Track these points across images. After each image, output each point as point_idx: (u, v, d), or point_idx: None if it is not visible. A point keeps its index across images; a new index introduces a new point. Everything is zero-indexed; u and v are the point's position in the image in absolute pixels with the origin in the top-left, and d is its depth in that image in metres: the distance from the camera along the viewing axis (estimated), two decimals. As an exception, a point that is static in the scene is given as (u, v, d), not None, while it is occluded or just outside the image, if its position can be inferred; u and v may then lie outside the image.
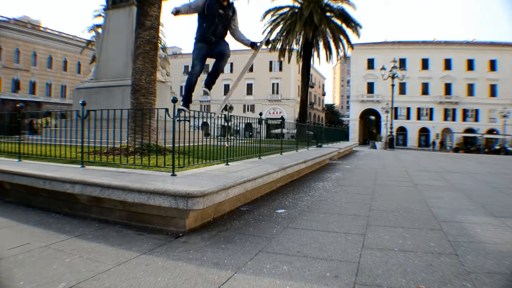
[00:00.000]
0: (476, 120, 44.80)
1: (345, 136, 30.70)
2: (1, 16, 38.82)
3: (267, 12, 26.21)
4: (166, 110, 4.24)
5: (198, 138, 5.98)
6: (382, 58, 43.41)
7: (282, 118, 42.47)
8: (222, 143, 5.72)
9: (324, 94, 68.59)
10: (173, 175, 4.12)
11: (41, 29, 43.82)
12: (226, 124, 5.64)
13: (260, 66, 49.79)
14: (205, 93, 4.72)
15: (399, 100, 42.93)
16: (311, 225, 3.75)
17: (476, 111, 44.89)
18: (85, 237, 3.22)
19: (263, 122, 7.50)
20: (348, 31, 25.30)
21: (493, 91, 44.59)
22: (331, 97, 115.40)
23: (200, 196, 3.23)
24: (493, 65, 44.46)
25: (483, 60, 44.40)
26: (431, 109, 46.25)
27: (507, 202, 5.42)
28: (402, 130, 46.47)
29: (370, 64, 47.85)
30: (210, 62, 4.77)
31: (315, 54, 26.16)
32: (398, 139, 43.43)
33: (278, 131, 11.63)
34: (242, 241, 3.19)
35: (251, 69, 50.62)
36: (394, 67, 25.87)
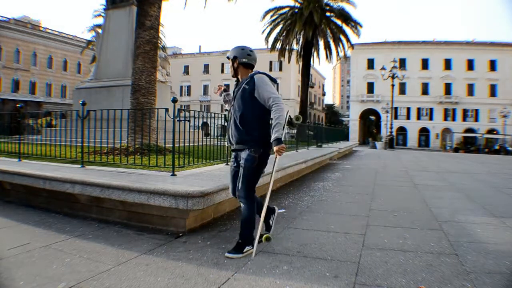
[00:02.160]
0: (476, 120, 44.77)
1: (345, 136, 30.70)
2: (1, 16, 38.80)
3: (267, 12, 26.16)
4: (166, 110, 4.24)
5: (198, 138, 5.98)
6: (382, 58, 43.37)
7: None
8: (222, 143, 5.72)
9: (324, 94, 68.56)
10: (173, 175, 4.12)
11: (41, 29, 43.77)
12: (226, 124, 5.63)
13: (260, 66, 49.48)
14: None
15: (399, 100, 42.90)
16: (311, 225, 3.75)
17: (476, 111, 44.86)
18: (85, 237, 3.22)
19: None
20: (348, 31, 25.27)
21: (493, 91, 44.55)
22: (331, 97, 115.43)
23: (200, 196, 3.23)
24: (493, 65, 44.42)
25: (483, 60, 44.37)
26: (431, 109, 46.22)
27: (507, 202, 5.42)
28: (402, 130, 46.45)
29: (370, 64, 47.81)
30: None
31: (315, 54, 26.12)
32: (398, 139, 43.39)
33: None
34: (242, 241, 3.18)
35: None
36: (394, 67, 25.83)
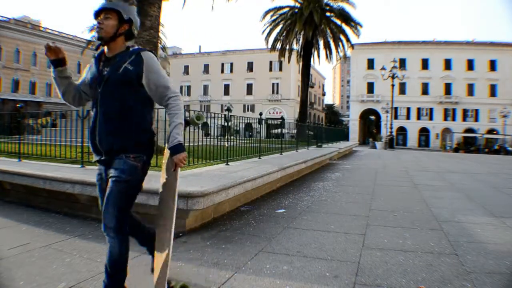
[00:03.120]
0: (476, 120, 44.77)
1: (345, 136, 30.74)
2: (1, 16, 38.81)
3: (267, 12, 26.21)
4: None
5: (198, 138, 5.98)
6: (382, 58, 43.36)
7: (282, 118, 42.46)
8: (222, 143, 5.72)
9: (324, 94, 68.56)
10: (173, 175, 4.11)
11: (41, 29, 43.78)
12: (226, 124, 5.64)
13: (260, 66, 49.79)
14: None
15: (399, 100, 42.89)
16: (311, 225, 3.75)
17: (476, 111, 44.87)
18: (85, 237, 3.22)
19: (263, 122, 7.50)
20: (348, 31, 25.31)
21: (493, 91, 44.54)
22: (331, 97, 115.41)
23: (200, 196, 3.23)
24: (493, 65, 44.42)
25: (483, 60, 44.37)
26: (431, 109, 46.23)
27: (507, 202, 5.42)
28: (402, 130, 46.44)
29: (370, 64, 47.81)
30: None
31: (315, 54, 26.16)
32: (398, 139, 43.39)
33: (278, 131, 11.64)
34: (242, 241, 3.19)
35: (251, 69, 50.72)
36: (394, 67, 25.85)
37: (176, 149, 1.92)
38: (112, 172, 1.93)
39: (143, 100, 2.00)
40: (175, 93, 1.99)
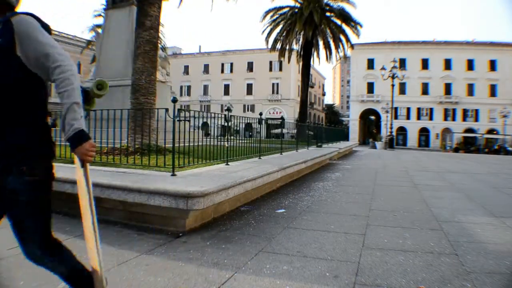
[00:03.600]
0: (476, 120, 44.80)
1: (345, 136, 30.76)
2: (1, 16, 38.79)
3: (267, 12, 26.23)
4: (166, 110, 4.24)
5: (198, 138, 5.98)
6: (382, 58, 43.40)
7: (282, 118, 42.42)
8: (222, 143, 5.72)
9: (324, 94, 68.51)
10: (173, 175, 4.12)
11: (41, 29, 43.74)
12: (226, 124, 5.64)
13: (260, 66, 49.79)
14: None
15: (399, 100, 42.92)
16: (311, 225, 3.75)
17: (476, 111, 44.90)
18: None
19: (263, 122, 7.50)
20: (348, 31, 25.32)
21: (493, 91, 44.58)
22: (331, 97, 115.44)
23: (200, 196, 3.23)
24: (493, 65, 44.45)
25: (483, 60, 44.40)
26: (431, 109, 46.26)
27: (507, 202, 5.42)
28: (402, 130, 46.47)
29: (370, 64, 47.83)
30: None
31: (315, 54, 26.17)
32: (398, 139, 43.42)
33: (278, 131, 11.64)
34: (242, 241, 3.19)
35: (251, 69, 50.75)
36: (394, 67, 25.86)
37: (76, 139, 1.44)
38: (7, 193, 1.45)
39: (26, 81, 1.46)
40: (58, 62, 1.43)
